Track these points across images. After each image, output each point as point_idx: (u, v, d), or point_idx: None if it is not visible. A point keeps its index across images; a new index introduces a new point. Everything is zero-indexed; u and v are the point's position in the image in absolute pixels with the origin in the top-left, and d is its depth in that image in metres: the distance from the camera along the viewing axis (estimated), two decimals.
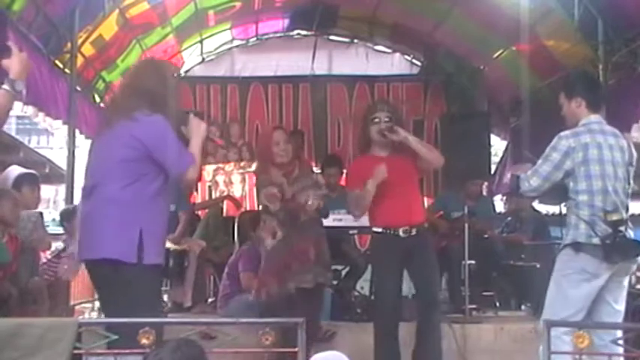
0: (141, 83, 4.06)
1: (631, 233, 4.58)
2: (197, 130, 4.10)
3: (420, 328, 5.38)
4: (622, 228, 4.47)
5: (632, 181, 4.75)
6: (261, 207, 5.81)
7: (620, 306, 4.65)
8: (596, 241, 4.47)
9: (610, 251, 4.43)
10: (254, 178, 6.55)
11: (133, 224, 3.82)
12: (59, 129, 7.85)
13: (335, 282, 6.55)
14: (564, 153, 4.58)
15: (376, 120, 5.42)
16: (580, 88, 4.79)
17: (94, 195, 3.94)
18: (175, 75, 4.41)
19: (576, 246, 4.55)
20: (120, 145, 3.88)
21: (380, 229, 5.45)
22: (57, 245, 6.78)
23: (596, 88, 4.98)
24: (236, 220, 8.02)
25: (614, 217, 4.46)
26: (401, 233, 5.35)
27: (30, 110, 6.89)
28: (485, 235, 7.98)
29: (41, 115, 7.16)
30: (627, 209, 4.63)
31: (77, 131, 8.05)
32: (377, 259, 5.71)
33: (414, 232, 5.36)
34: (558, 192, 4.72)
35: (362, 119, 5.64)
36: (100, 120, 4.27)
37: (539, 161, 4.70)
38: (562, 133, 4.66)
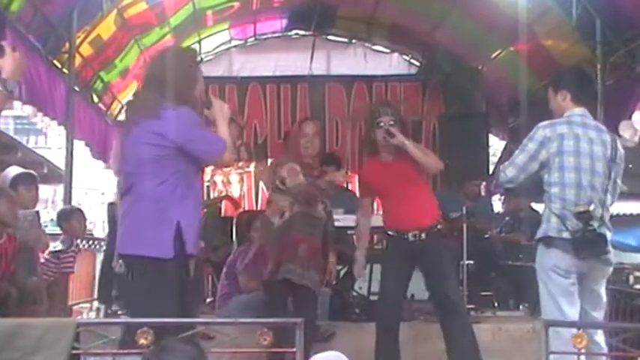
0: (161, 75, 4.07)
1: (607, 232, 4.48)
2: (221, 112, 4.19)
3: (444, 333, 5.28)
4: (595, 223, 4.36)
5: (619, 180, 4.65)
6: (273, 184, 5.67)
7: (598, 313, 4.55)
8: (566, 235, 4.39)
9: (578, 246, 4.34)
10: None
11: (170, 220, 3.90)
12: (54, 130, 7.83)
13: (333, 282, 6.54)
14: (540, 143, 4.52)
15: (381, 124, 5.34)
16: (566, 81, 4.75)
17: (131, 193, 4.00)
18: (196, 59, 4.45)
19: (547, 240, 4.49)
20: (148, 144, 3.93)
21: (391, 232, 5.42)
22: (54, 245, 6.76)
23: (583, 82, 4.89)
24: (234, 220, 8.02)
25: (580, 209, 4.36)
26: (410, 237, 5.28)
27: (29, 109, 6.89)
28: (486, 235, 7.99)
29: (39, 115, 7.16)
30: (605, 206, 4.51)
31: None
32: (384, 260, 5.63)
33: (423, 236, 5.27)
34: (541, 188, 4.63)
35: (366, 122, 5.59)
36: (126, 115, 4.30)
37: (517, 151, 4.64)
38: (540, 124, 4.60)
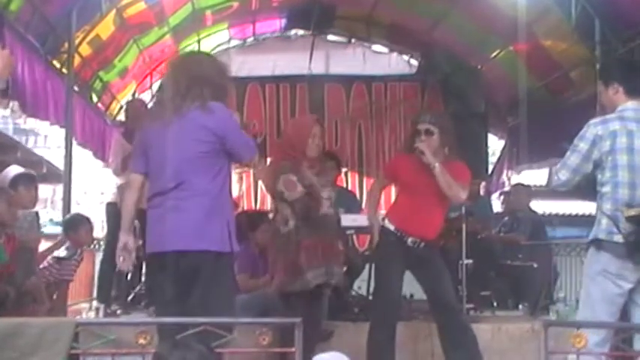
0: (206, 75, 4.13)
1: None
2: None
3: (444, 336, 5.29)
4: None
5: None
6: (271, 195, 5.63)
7: None
8: (617, 238, 4.11)
9: (632, 250, 4.06)
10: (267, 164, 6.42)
11: (223, 215, 4.02)
12: (48, 130, 7.85)
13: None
14: (592, 142, 4.23)
15: (419, 130, 5.29)
16: (617, 73, 4.46)
17: (181, 190, 4.00)
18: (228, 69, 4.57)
19: (597, 243, 4.23)
20: (195, 140, 3.98)
21: (392, 228, 5.37)
22: (58, 251, 6.71)
23: (634, 72, 4.51)
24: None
25: (632, 213, 4.07)
26: (409, 242, 5.28)
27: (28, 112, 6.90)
28: (479, 236, 7.98)
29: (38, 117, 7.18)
30: None
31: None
32: (383, 255, 5.54)
33: (422, 245, 5.28)
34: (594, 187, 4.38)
35: (411, 124, 5.62)
36: (159, 111, 4.27)
37: (568, 152, 4.36)
38: (591, 121, 4.33)
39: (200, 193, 3.98)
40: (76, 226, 6.75)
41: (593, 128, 4.28)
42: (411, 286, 6.10)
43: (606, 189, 4.24)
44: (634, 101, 4.33)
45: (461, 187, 5.28)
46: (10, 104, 6.63)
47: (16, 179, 6.14)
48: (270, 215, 6.04)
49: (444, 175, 5.16)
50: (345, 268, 7.08)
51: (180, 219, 3.98)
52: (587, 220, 4.44)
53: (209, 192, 3.98)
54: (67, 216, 7.37)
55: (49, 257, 6.54)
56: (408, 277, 5.60)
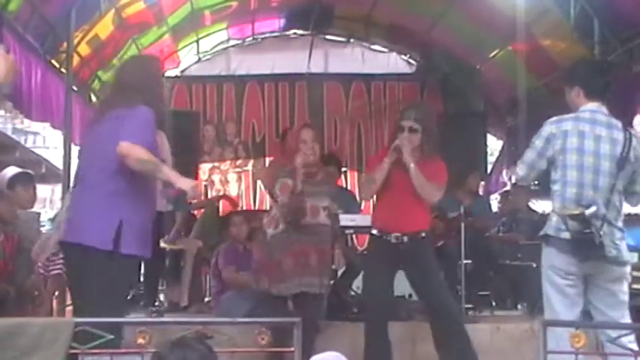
0: (129, 80, 4.18)
1: (616, 232, 4.32)
2: (176, 176, 4.08)
3: (436, 337, 5.34)
4: (597, 223, 4.17)
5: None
6: (270, 194, 5.73)
7: (616, 312, 4.36)
8: (565, 235, 4.30)
9: (575, 247, 4.25)
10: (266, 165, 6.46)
11: (113, 213, 3.95)
12: (46, 129, 7.88)
13: (331, 281, 6.54)
14: (546, 140, 4.43)
15: (403, 126, 5.30)
16: (578, 76, 4.62)
17: (80, 184, 4.13)
18: (160, 70, 4.59)
19: (546, 239, 4.45)
20: (103, 140, 4.02)
21: (375, 232, 5.44)
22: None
23: (596, 75, 4.65)
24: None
25: (574, 212, 4.23)
26: (392, 239, 5.31)
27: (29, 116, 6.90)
28: (487, 234, 8.00)
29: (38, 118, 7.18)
30: (612, 206, 4.31)
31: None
32: (367, 260, 5.68)
33: (405, 239, 5.29)
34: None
35: (396, 120, 5.61)
36: (91, 116, 4.43)
37: (527, 149, 4.57)
38: (549, 120, 4.52)
39: (89, 187, 4.07)
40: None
41: (548, 127, 4.48)
42: (409, 287, 6.11)
43: (556, 187, 4.43)
44: (594, 103, 4.49)
45: (435, 187, 5.33)
46: (10, 106, 6.65)
47: (14, 179, 6.14)
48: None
49: (417, 175, 5.21)
50: (343, 268, 7.12)
51: (71, 211, 4.15)
52: None
53: (99, 188, 4.01)
54: (55, 212, 7.38)
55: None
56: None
